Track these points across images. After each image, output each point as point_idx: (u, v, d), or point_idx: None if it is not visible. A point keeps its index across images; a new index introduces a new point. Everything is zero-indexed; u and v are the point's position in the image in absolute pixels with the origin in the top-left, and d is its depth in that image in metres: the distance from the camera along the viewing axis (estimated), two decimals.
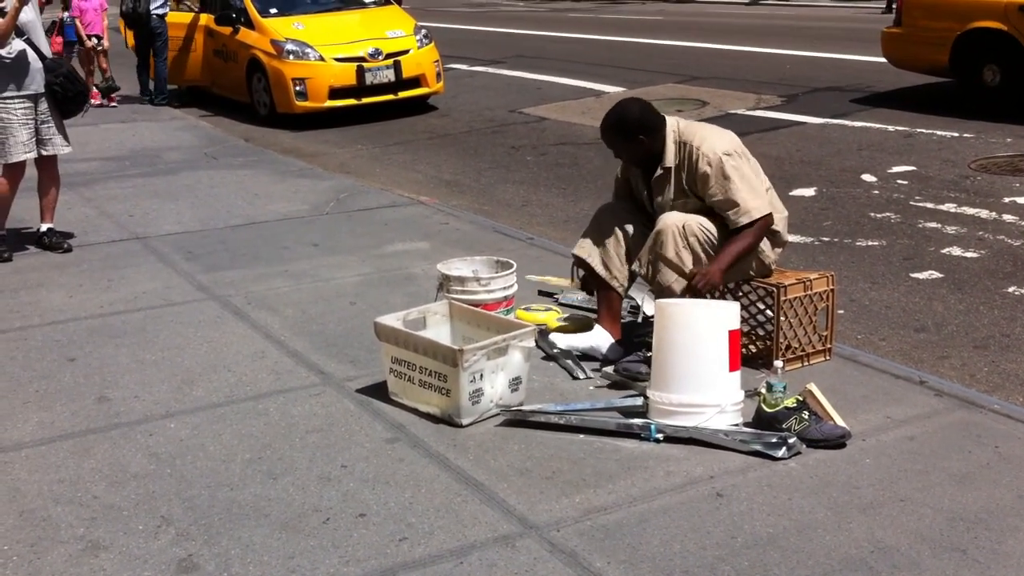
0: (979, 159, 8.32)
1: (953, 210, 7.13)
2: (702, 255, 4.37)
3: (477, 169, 9.52)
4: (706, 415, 3.87)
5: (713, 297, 4.57)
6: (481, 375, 4.05)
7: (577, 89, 13.19)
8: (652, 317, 5.07)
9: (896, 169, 8.24)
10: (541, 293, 5.62)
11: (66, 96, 6.68)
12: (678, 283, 4.37)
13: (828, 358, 4.62)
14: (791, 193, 7.67)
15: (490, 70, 15.52)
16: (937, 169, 8.14)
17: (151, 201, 8.25)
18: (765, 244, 4.48)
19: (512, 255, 5.41)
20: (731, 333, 3.90)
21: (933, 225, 6.83)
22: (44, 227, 6.95)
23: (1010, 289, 5.70)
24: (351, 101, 12.00)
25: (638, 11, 25.48)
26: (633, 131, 4.46)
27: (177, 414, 4.29)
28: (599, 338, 4.67)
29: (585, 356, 4.66)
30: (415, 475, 3.70)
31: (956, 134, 9.13)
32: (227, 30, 12.69)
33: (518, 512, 3.43)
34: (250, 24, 12.44)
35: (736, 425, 3.90)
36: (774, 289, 4.44)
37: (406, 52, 12.19)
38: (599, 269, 4.66)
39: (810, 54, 14.53)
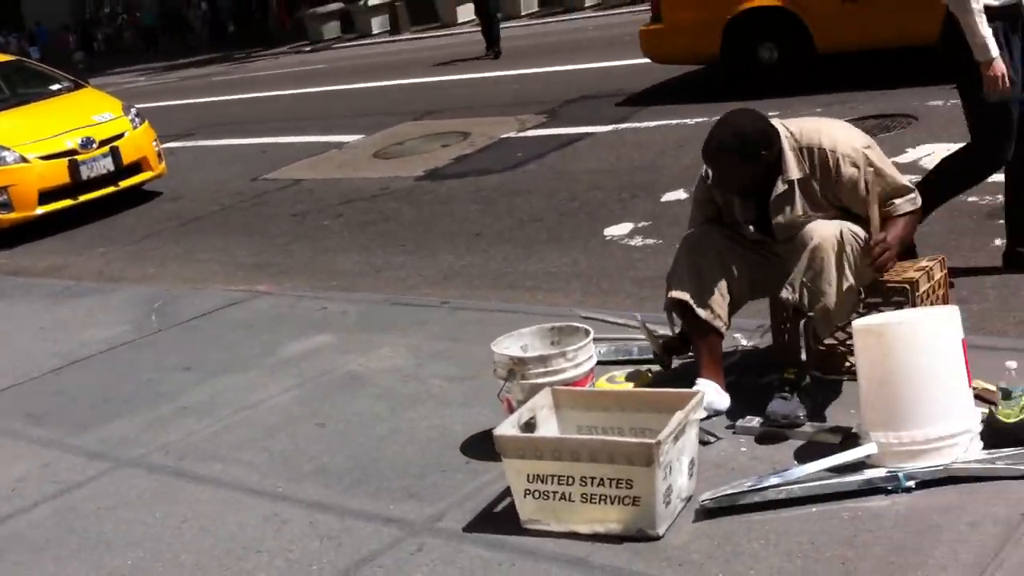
0: None
1: None
2: (858, 267, 3.71)
3: (277, 245, 8.25)
4: (960, 445, 3.19)
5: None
6: (670, 468, 3.14)
7: (310, 145, 12.03)
8: (742, 347, 4.35)
9: None
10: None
11: None
12: (846, 304, 3.67)
13: None
14: (662, 199, 7.20)
15: (187, 144, 13.98)
16: None
17: None
18: None
19: (441, 326, 4.51)
20: (963, 342, 3.25)
21: None
22: None
23: None
24: (67, 202, 10.18)
25: (285, 64, 24.45)
26: (755, 150, 3.70)
27: None
28: (710, 392, 3.82)
29: None
30: None
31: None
32: None
33: None
34: None
35: (986, 449, 3.26)
36: (906, 286, 3.84)
37: (122, 135, 10.56)
38: (701, 312, 3.84)
39: (527, 71, 14.29)
